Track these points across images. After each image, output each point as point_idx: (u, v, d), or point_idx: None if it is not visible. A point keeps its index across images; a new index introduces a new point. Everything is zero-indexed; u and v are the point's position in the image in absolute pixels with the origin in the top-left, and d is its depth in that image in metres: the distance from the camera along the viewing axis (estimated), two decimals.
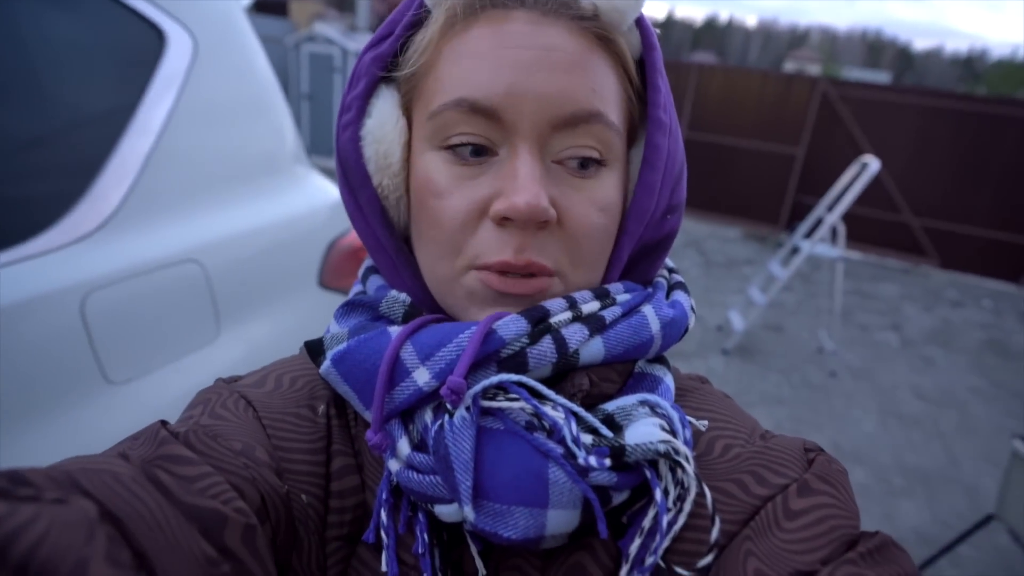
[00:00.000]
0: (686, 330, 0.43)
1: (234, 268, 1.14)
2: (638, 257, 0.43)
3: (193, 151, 1.08)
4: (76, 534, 0.24)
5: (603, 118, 0.36)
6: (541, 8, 0.36)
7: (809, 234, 4.18)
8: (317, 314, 1.33)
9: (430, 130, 0.37)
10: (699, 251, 6.34)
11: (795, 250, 4.20)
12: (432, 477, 0.35)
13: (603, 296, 0.39)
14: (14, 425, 0.80)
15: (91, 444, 0.90)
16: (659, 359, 0.42)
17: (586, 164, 0.37)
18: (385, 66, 0.40)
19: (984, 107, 6.15)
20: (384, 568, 0.37)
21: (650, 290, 0.43)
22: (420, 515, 0.38)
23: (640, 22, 0.39)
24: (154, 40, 1.03)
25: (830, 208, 3.96)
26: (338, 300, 1.39)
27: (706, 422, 0.40)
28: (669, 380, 0.40)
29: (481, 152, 0.36)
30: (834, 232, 3.92)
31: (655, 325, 0.39)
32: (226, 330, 1.12)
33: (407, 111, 0.40)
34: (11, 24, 0.87)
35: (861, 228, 6.31)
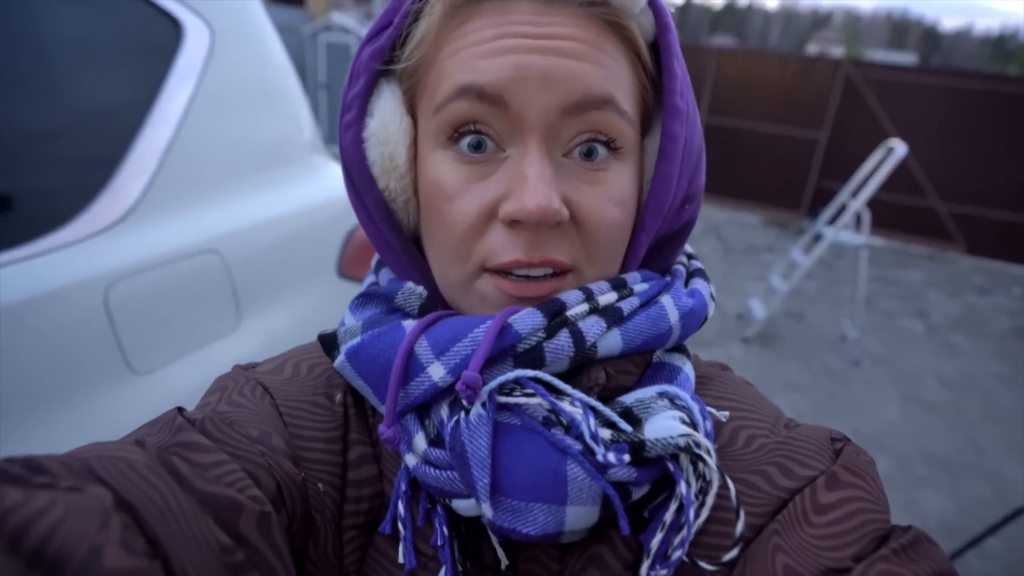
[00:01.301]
0: (705, 318, 0.42)
1: (253, 258, 1.15)
2: (655, 248, 0.42)
3: (211, 142, 1.09)
4: (90, 522, 0.24)
5: (616, 105, 0.34)
6: None
7: (832, 220, 4.10)
8: (336, 303, 1.34)
9: (436, 126, 0.36)
10: (718, 237, 6.26)
11: (818, 237, 4.13)
12: (449, 473, 0.35)
13: (620, 286, 0.38)
14: (40, 413, 0.82)
15: (115, 433, 0.91)
16: (678, 348, 0.41)
17: (592, 152, 0.35)
18: (384, 60, 0.38)
19: (1014, 87, 5.96)
20: (401, 559, 0.37)
21: (668, 279, 0.41)
22: (439, 507, 0.37)
23: (653, 3, 0.37)
24: (172, 31, 1.04)
25: (854, 194, 3.89)
26: (356, 289, 1.39)
27: (727, 413, 0.39)
28: (689, 369, 0.40)
29: (486, 146, 0.35)
30: (858, 219, 3.84)
31: (674, 315, 0.38)
32: (246, 320, 1.13)
33: (411, 109, 0.39)
34: (31, 18, 0.87)
35: (885, 213, 6.18)
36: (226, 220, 1.10)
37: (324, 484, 0.38)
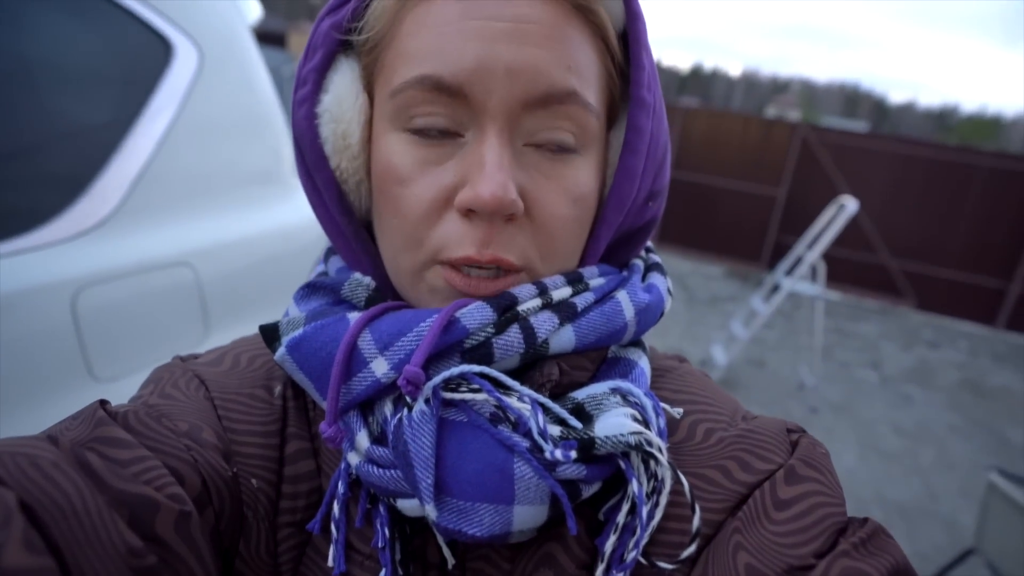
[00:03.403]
0: (662, 314, 0.40)
1: (225, 275, 1.15)
2: (615, 245, 0.41)
3: (192, 161, 1.11)
4: None
5: (579, 98, 0.33)
6: None
7: (790, 271, 4.27)
8: None
9: (392, 110, 0.34)
10: (683, 287, 6.42)
11: (776, 287, 4.28)
12: (393, 472, 0.33)
13: (576, 281, 0.37)
14: None
15: None
16: (635, 342, 0.40)
17: (554, 144, 0.34)
18: (343, 32, 0.36)
19: (955, 156, 6.39)
20: (331, 563, 0.36)
21: (625, 273, 0.40)
22: (381, 508, 0.36)
23: None
24: (161, 51, 1.06)
25: (810, 246, 4.06)
26: None
27: (680, 410, 0.38)
28: (644, 363, 0.38)
29: (445, 132, 0.34)
30: (814, 270, 4.01)
31: (629, 312, 0.37)
32: (214, 334, 1.13)
33: (368, 86, 0.37)
34: (22, 31, 0.89)
35: (840, 269, 6.45)
36: (201, 236, 1.11)
37: (258, 480, 0.37)
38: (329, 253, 0.44)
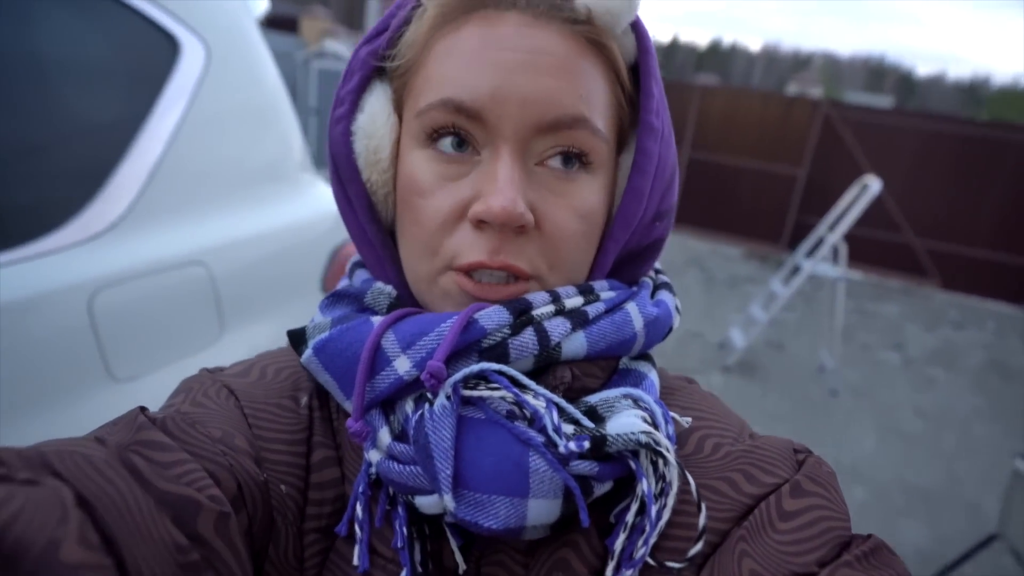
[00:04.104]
0: (670, 329, 0.43)
1: (239, 271, 1.16)
2: (624, 262, 0.42)
3: (202, 158, 1.11)
4: (50, 514, 0.24)
5: (588, 124, 0.36)
6: (533, 11, 0.36)
7: (811, 253, 4.20)
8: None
9: (417, 128, 0.37)
10: (701, 269, 6.35)
11: (796, 269, 4.21)
12: (413, 467, 0.35)
13: (587, 292, 0.39)
14: (18, 418, 0.82)
15: None
16: (644, 356, 0.42)
17: (569, 161, 0.37)
18: (378, 59, 0.40)
19: (985, 131, 6.20)
20: (356, 561, 0.38)
21: (635, 289, 0.43)
22: (400, 508, 0.38)
23: (635, 26, 0.39)
24: (168, 49, 1.06)
25: (831, 228, 3.99)
26: None
27: (689, 419, 0.39)
28: (654, 376, 0.40)
29: (463, 145, 0.36)
30: (835, 252, 3.94)
31: (638, 323, 0.39)
32: (229, 332, 1.14)
33: (398, 108, 0.40)
34: (29, 31, 0.90)
35: (863, 248, 6.33)
36: (213, 234, 1.12)
37: (287, 486, 0.38)
38: (354, 268, 0.46)
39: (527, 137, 0.35)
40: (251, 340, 1.19)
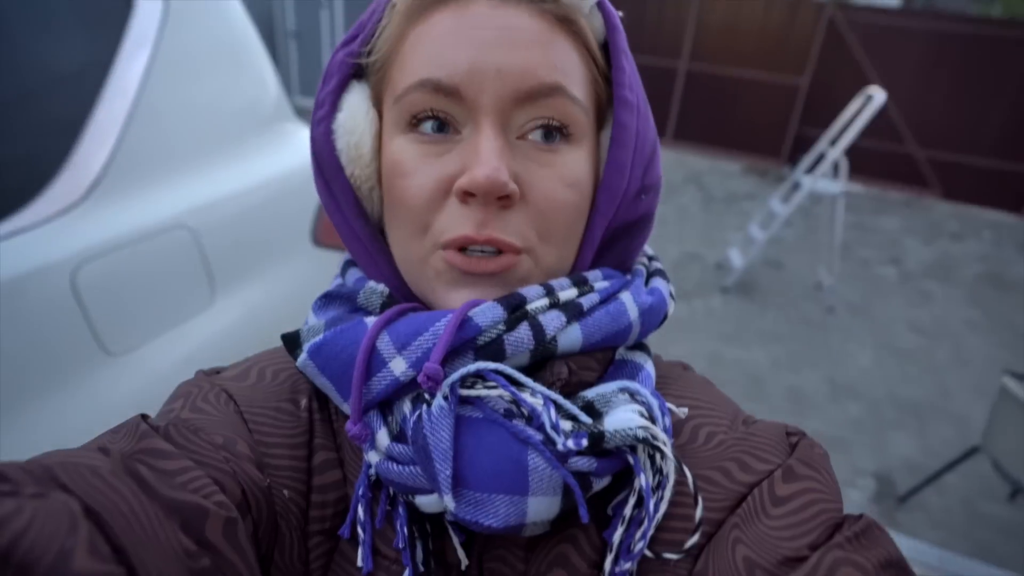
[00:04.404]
0: (665, 316, 0.43)
1: (225, 231, 1.13)
2: (614, 239, 0.42)
3: (172, 111, 1.05)
4: (59, 525, 0.24)
5: (565, 91, 0.36)
6: None
7: (811, 169, 4.11)
8: (312, 272, 1.33)
9: (397, 114, 0.38)
10: (699, 186, 6.25)
11: (796, 186, 4.14)
12: (412, 468, 0.35)
13: (581, 283, 0.39)
14: (19, 403, 0.81)
15: (98, 417, 0.92)
16: (640, 346, 0.42)
17: (550, 134, 0.37)
18: (356, 59, 0.40)
19: (998, 30, 5.91)
20: (360, 563, 0.38)
21: (628, 277, 0.43)
22: (400, 508, 0.38)
23: (601, 6, 0.39)
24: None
25: (833, 142, 3.88)
26: (333, 257, 1.38)
27: (685, 409, 0.40)
28: (650, 367, 0.41)
29: (444, 128, 0.37)
30: (836, 167, 3.85)
31: (633, 312, 0.39)
32: (222, 294, 1.12)
33: (378, 102, 0.41)
34: None
35: (863, 160, 6.20)
36: (194, 193, 1.07)
37: (289, 490, 0.38)
38: (346, 267, 0.46)
39: (506, 109, 0.36)
40: (246, 300, 1.17)
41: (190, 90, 1.09)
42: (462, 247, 0.36)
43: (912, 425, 2.82)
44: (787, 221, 4.64)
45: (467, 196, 0.35)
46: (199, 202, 1.08)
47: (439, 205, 0.36)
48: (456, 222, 0.36)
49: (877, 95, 3.57)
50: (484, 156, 0.34)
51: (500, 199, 0.35)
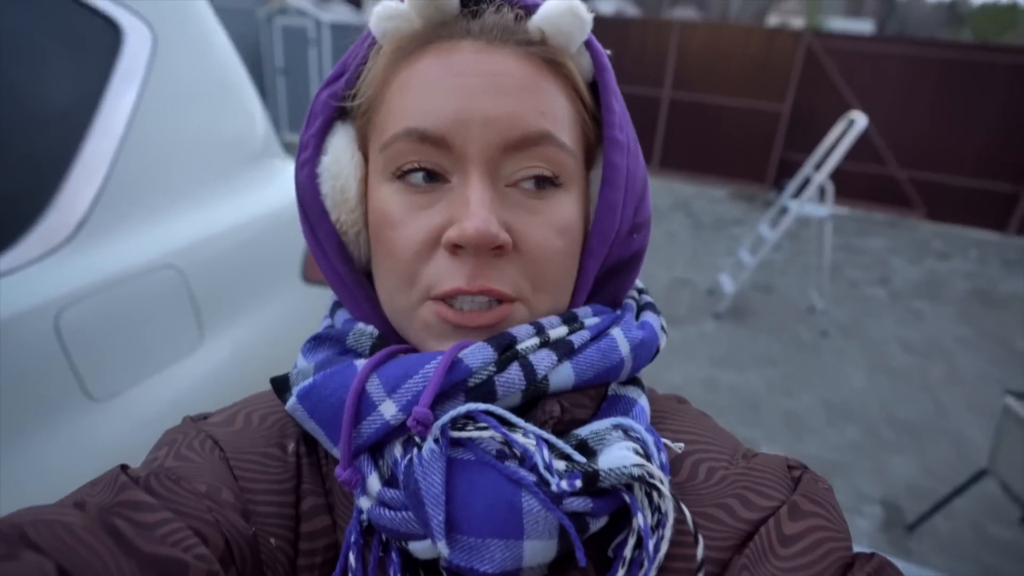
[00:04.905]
0: (657, 350, 0.42)
1: (213, 269, 1.11)
2: (606, 278, 0.42)
3: (159, 149, 1.04)
4: None
5: (553, 139, 0.36)
6: (487, 36, 0.36)
7: (797, 194, 4.16)
8: (302, 309, 1.31)
9: (383, 162, 0.37)
10: (687, 212, 6.32)
11: (784, 210, 4.19)
12: (404, 513, 0.34)
13: (571, 320, 0.38)
14: None
15: (80, 464, 0.89)
16: (633, 380, 0.42)
17: (541, 183, 0.36)
18: (340, 101, 0.40)
19: (969, 54, 6.09)
20: None
21: (619, 312, 0.42)
22: (393, 554, 0.36)
23: (589, 45, 0.39)
24: (111, 34, 0.97)
25: (817, 167, 3.94)
26: (323, 294, 1.36)
27: (682, 444, 0.39)
28: (644, 402, 0.40)
29: (433, 178, 0.36)
30: (822, 191, 3.90)
31: (624, 348, 0.38)
32: (210, 334, 1.09)
33: (363, 146, 0.40)
34: None
35: (847, 182, 6.30)
36: (181, 232, 1.05)
37: (276, 538, 0.37)
38: (335, 308, 0.45)
39: (495, 158, 0.35)
40: (235, 339, 1.15)
41: (178, 126, 1.08)
42: (452, 298, 0.35)
43: (911, 446, 2.80)
44: (776, 245, 4.68)
45: (456, 248, 0.35)
46: (187, 241, 1.06)
47: (428, 257, 0.36)
48: (446, 274, 0.35)
49: (859, 119, 3.64)
50: (473, 207, 0.34)
51: (493, 249, 0.34)
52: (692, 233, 5.69)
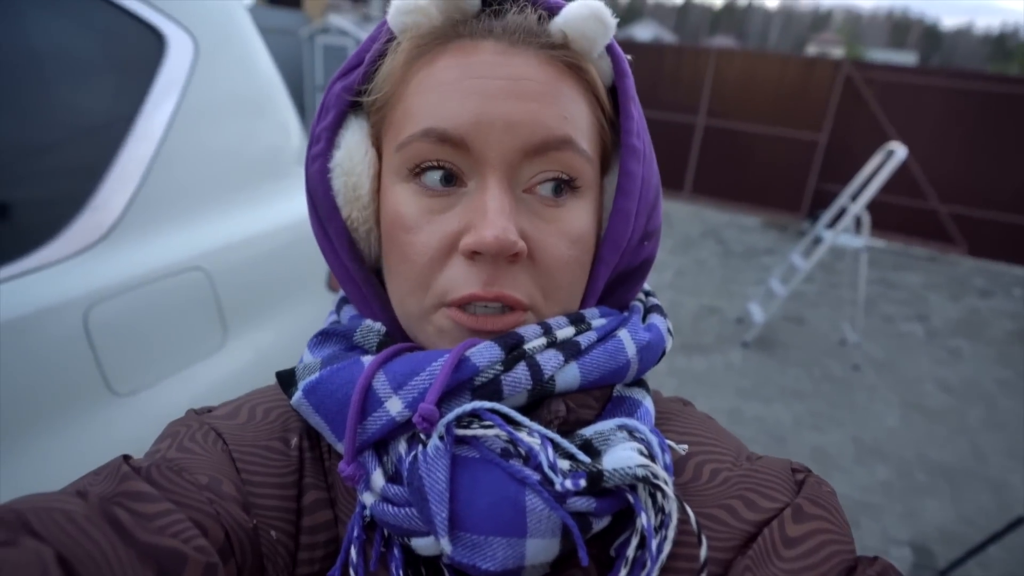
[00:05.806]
0: (663, 353, 0.42)
1: (239, 274, 1.13)
2: (615, 284, 0.42)
3: (195, 156, 1.07)
4: (30, 574, 0.24)
5: (573, 144, 0.36)
6: (509, 38, 0.36)
7: (832, 224, 4.08)
8: (325, 317, 1.32)
9: (399, 162, 0.37)
10: (717, 240, 6.24)
11: (817, 240, 4.11)
12: (407, 509, 0.34)
13: (578, 321, 0.38)
14: (18, 439, 0.80)
15: (97, 456, 0.89)
16: (638, 382, 0.42)
17: (559, 189, 0.36)
18: (354, 94, 0.40)
19: (1013, 88, 5.94)
20: None
21: (626, 314, 0.42)
22: (395, 550, 0.36)
23: (611, 49, 0.39)
24: (154, 44, 1.01)
25: (854, 197, 3.86)
26: None
27: (686, 446, 0.39)
28: (648, 403, 0.40)
29: (451, 180, 0.36)
30: (858, 222, 3.82)
31: (631, 349, 0.39)
32: (233, 337, 1.11)
33: (376, 142, 0.40)
34: (9, 31, 0.85)
35: (885, 215, 6.16)
36: (211, 236, 1.08)
37: (277, 531, 0.37)
38: (341, 303, 0.45)
39: (514, 163, 0.35)
40: (257, 343, 1.16)
41: (214, 134, 1.11)
42: (466, 303, 0.35)
43: (945, 490, 2.68)
44: (808, 276, 4.59)
45: (474, 255, 0.35)
46: (215, 244, 1.08)
47: (443, 263, 0.36)
48: (462, 280, 0.35)
49: (899, 150, 3.57)
50: (491, 215, 0.33)
51: (509, 256, 0.34)
52: (721, 261, 5.62)
